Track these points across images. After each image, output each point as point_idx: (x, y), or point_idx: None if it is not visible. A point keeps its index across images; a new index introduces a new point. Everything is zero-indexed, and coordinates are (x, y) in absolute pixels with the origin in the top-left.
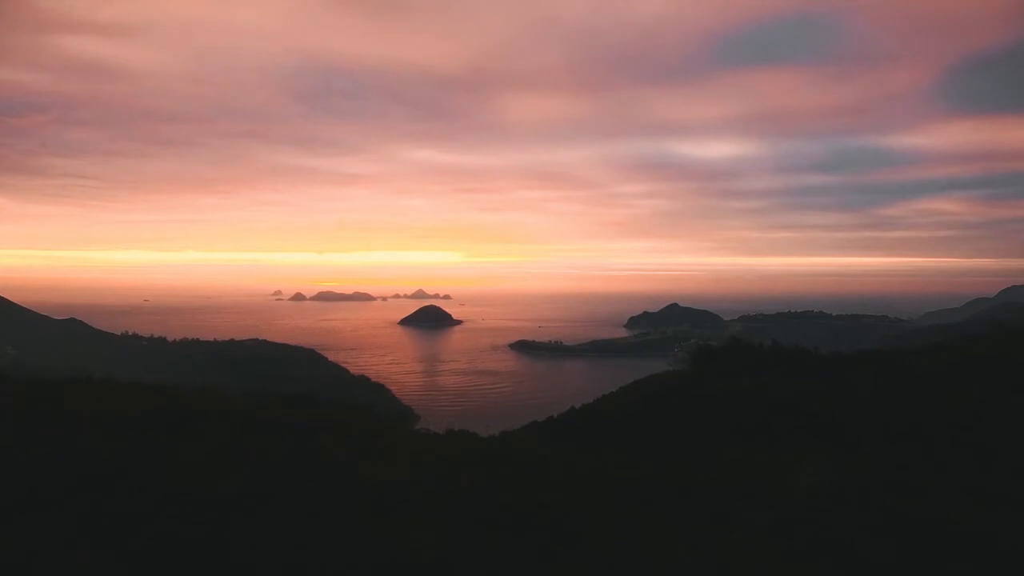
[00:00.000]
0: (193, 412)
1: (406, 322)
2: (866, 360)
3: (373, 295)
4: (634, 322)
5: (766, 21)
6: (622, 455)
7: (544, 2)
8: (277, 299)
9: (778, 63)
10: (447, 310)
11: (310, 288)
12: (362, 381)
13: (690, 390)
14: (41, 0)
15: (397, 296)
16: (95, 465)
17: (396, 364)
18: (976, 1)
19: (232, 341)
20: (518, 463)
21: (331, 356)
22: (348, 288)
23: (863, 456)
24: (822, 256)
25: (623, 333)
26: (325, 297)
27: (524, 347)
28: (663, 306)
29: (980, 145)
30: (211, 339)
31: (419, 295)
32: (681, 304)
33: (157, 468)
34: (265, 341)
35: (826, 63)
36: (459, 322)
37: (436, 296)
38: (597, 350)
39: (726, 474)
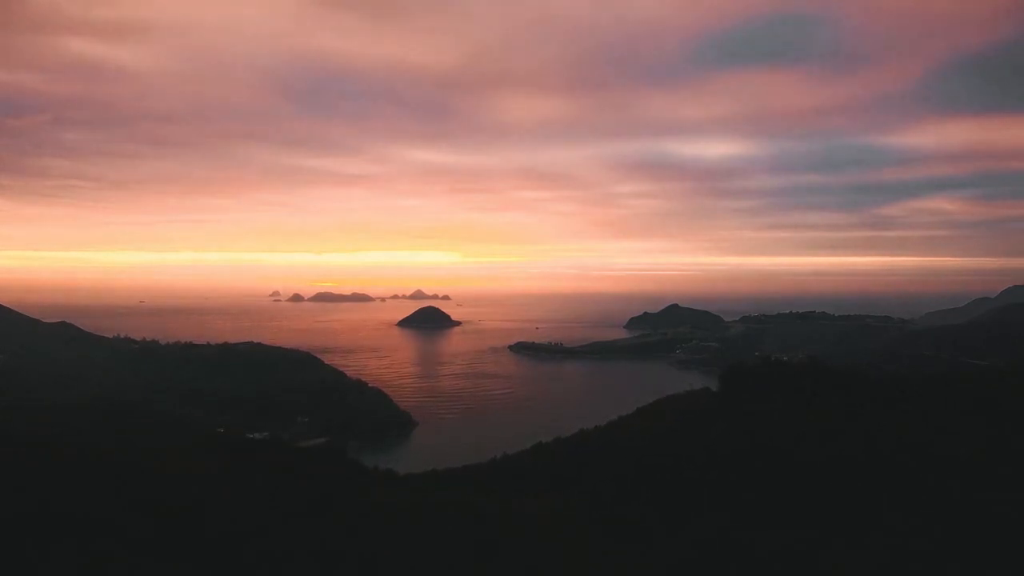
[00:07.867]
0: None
1: (405, 323)
2: (928, 385)
3: (372, 296)
4: (634, 323)
5: (762, 20)
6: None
7: (541, 1)
8: (275, 300)
9: (774, 62)
10: (446, 311)
11: (308, 289)
12: (359, 386)
13: (728, 421)
14: (37, 0)
15: (396, 297)
16: None
17: (395, 367)
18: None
19: (226, 345)
20: None
21: (328, 359)
22: (346, 289)
23: None
24: (821, 256)
25: (623, 334)
26: (323, 298)
27: (524, 349)
28: (663, 307)
29: (979, 144)
30: (205, 342)
31: (418, 295)
32: (681, 304)
33: None
34: (261, 344)
35: (823, 62)
36: (458, 323)
37: (435, 297)
38: (597, 352)
39: None
